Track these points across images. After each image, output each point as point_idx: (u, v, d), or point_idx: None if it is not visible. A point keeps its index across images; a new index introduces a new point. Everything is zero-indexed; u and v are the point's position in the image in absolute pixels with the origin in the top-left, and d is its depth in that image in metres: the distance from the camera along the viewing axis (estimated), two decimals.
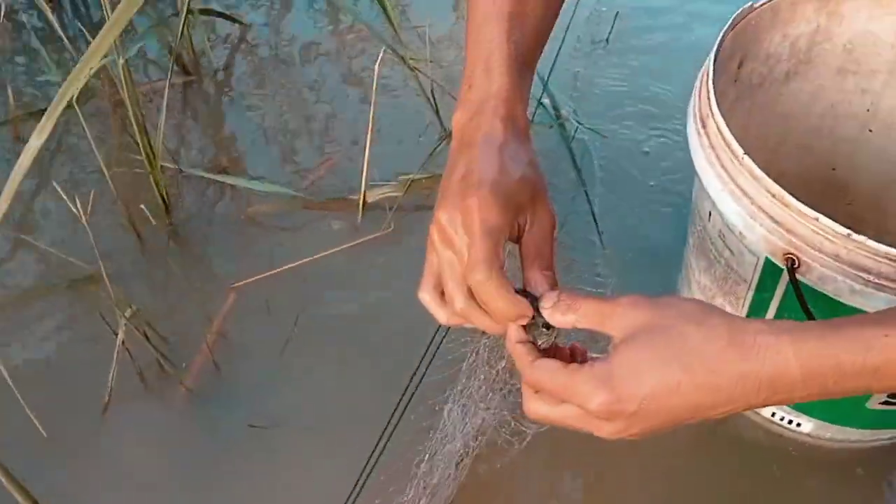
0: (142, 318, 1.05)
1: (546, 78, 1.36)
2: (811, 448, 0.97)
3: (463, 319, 0.67)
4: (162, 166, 1.21)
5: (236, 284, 1.15)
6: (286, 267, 1.16)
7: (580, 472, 0.97)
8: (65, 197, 1.07)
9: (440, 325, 0.97)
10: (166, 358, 1.06)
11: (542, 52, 0.76)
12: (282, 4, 1.62)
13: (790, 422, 0.96)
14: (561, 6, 0.78)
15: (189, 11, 1.39)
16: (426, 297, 0.68)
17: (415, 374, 0.98)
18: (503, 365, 0.89)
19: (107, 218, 1.21)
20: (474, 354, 0.90)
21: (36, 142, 0.68)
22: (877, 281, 0.70)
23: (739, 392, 0.57)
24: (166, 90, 1.26)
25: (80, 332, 1.11)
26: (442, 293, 0.66)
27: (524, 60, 0.72)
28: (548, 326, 0.64)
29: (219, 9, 1.56)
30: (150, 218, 1.19)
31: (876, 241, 0.91)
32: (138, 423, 1.03)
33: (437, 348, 0.99)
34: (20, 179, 0.70)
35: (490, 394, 0.91)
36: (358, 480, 0.93)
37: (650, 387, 0.57)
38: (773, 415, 0.97)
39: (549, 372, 0.61)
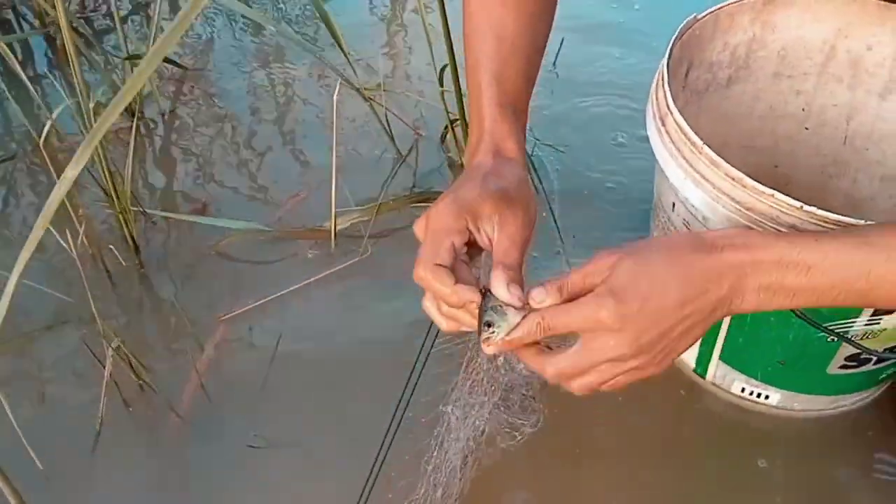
0: (128, 350, 1.08)
1: None
2: (781, 420, 1.05)
3: (455, 322, 0.74)
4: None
5: (225, 316, 1.18)
6: (270, 297, 1.20)
7: (570, 455, 1.03)
8: (55, 233, 1.12)
9: (431, 326, 1.04)
10: (153, 389, 1.10)
11: (532, 89, 0.86)
12: (216, 45, 1.70)
13: (759, 395, 1.03)
14: (545, 47, 0.87)
15: (132, 57, 1.47)
16: (426, 303, 0.76)
17: (411, 374, 1.03)
18: (501, 361, 0.96)
19: (70, 259, 1.22)
20: (471, 352, 0.97)
21: (72, 172, 0.72)
22: None
23: (707, 281, 0.67)
24: (133, 133, 1.31)
25: (67, 365, 1.14)
26: None
27: (513, 101, 0.81)
28: (489, 325, 0.71)
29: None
30: (119, 258, 1.24)
31: None
32: (131, 452, 1.06)
33: (430, 351, 1.04)
34: (55, 208, 0.75)
35: (492, 387, 0.97)
36: (368, 479, 0.98)
37: (645, 287, 0.67)
38: (743, 390, 1.04)
39: (563, 309, 0.69)
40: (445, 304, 0.73)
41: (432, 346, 1.07)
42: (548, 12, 0.87)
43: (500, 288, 0.70)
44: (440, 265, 0.70)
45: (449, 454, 0.97)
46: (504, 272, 0.71)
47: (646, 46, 1.62)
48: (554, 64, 1.61)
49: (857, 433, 1.05)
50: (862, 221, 0.76)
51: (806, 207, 0.78)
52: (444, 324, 0.76)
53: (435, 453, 0.97)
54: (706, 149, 0.82)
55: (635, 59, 1.62)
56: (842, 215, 0.78)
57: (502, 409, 1.01)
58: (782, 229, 0.80)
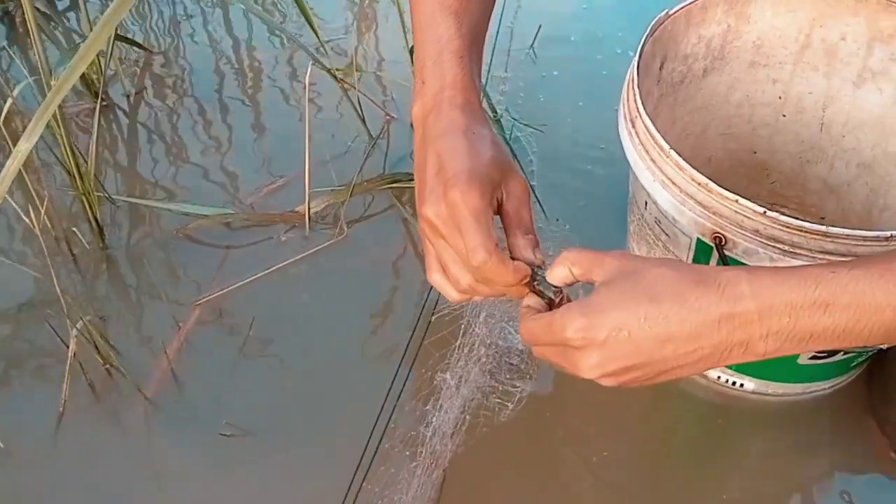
0: (95, 329, 1.15)
1: (484, 81, 1.53)
2: (756, 403, 1.14)
3: (469, 296, 0.81)
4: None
5: (199, 301, 1.25)
6: (244, 281, 1.27)
7: (551, 433, 1.12)
8: (18, 209, 1.19)
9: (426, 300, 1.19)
10: (120, 371, 1.16)
11: (484, 42, 0.90)
12: (182, 26, 1.77)
13: (734, 383, 1.13)
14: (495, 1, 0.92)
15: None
16: (436, 278, 0.82)
17: (406, 351, 1.14)
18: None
19: (35, 240, 1.31)
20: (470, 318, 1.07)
21: (25, 145, 0.77)
22: (791, 250, 0.87)
23: (701, 325, 0.67)
24: (97, 114, 1.38)
25: (32, 344, 1.21)
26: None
27: (471, 51, 0.85)
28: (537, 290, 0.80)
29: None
30: (84, 241, 1.31)
31: (797, 214, 1.12)
32: (95, 436, 1.12)
33: (429, 324, 1.16)
34: (9, 183, 0.79)
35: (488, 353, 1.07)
36: (361, 458, 1.07)
37: (621, 314, 0.68)
38: (719, 378, 1.14)
39: (537, 318, 0.75)
40: (483, 282, 0.79)
41: (429, 322, 1.19)
42: None
43: (528, 252, 0.79)
44: (497, 248, 0.76)
45: (443, 421, 1.07)
46: (525, 237, 0.79)
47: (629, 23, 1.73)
48: (532, 46, 1.70)
49: (833, 416, 1.14)
50: (822, 227, 0.85)
51: (769, 213, 0.86)
52: (456, 296, 0.83)
53: (433, 419, 1.08)
54: (673, 153, 0.91)
55: (614, 42, 1.72)
56: (808, 221, 0.86)
57: (496, 376, 1.12)
58: (747, 234, 0.89)
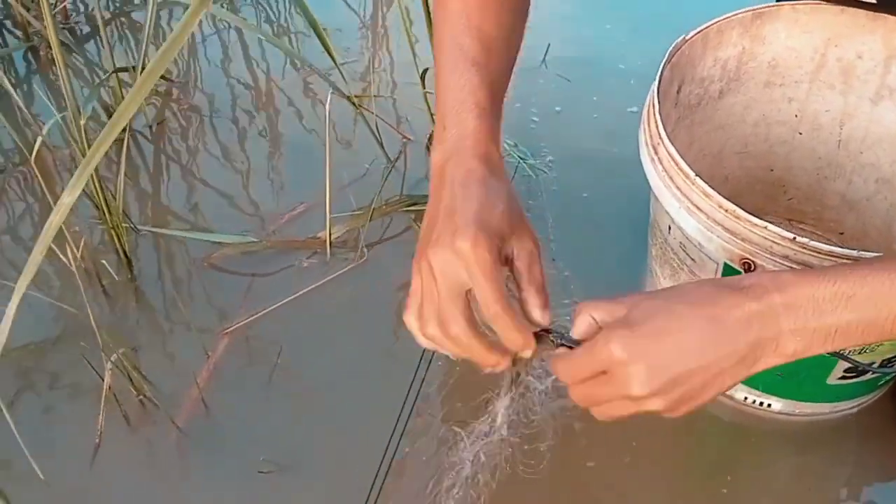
0: (128, 361, 1.13)
1: None
2: (783, 423, 1.11)
3: (433, 344, 0.76)
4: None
5: (227, 329, 1.23)
6: (269, 308, 1.24)
7: (582, 459, 1.08)
8: (55, 248, 1.15)
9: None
10: (154, 402, 1.14)
11: (507, 92, 0.87)
12: (201, 54, 1.75)
13: (761, 404, 1.09)
14: (519, 50, 0.90)
15: (120, 70, 1.50)
16: (411, 319, 0.77)
17: (409, 390, 1.11)
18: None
19: (65, 274, 1.28)
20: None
21: (68, 199, 0.75)
22: None
23: (736, 323, 0.67)
24: (124, 149, 1.35)
25: (68, 377, 1.19)
26: None
27: (493, 102, 0.82)
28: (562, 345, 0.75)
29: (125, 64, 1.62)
30: (113, 273, 1.29)
31: (816, 230, 1.08)
32: (130, 467, 1.10)
33: (429, 365, 1.13)
34: (53, 234, 0.77)
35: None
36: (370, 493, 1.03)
37: (661, 320, 0.67)
38: (746, 399, 1.10)
39: (574, 351, 0.72)
40: (430, 332, 0.75)
41: (427, 368, 1.15)
42: (523, 10, 0.91)
43: (538, 312, 0.75)
44: (510, 304, 0.72)
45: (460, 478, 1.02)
46: (538, 295, 0.75)
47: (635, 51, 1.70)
48: (544, 60, 1.67)
49: (860, 434, 1.11)
50: (853, 252, 0.81)
51: (798, 239, 0.82)
52: (422, 341, 0.77)
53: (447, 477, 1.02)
54: (699, 180, 0.87)
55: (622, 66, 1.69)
56: (838, 245, 0.83)
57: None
58: (777, 259, 0.85)
